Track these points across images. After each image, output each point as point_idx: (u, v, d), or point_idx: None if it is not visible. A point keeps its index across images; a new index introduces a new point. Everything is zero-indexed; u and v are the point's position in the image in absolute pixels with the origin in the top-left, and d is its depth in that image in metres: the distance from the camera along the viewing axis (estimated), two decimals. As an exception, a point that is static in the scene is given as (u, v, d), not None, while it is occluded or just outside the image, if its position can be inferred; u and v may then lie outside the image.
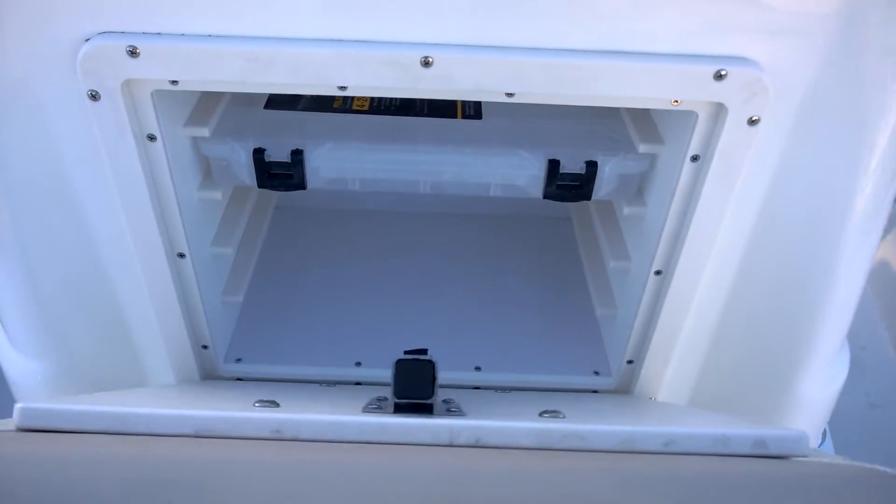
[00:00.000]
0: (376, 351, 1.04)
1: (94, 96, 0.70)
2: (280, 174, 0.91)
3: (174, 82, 0.71)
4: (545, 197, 0.94)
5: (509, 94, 0.72)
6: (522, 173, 0.92)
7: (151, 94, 0.73)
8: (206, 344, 0.98)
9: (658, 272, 0.88)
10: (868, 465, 0.56)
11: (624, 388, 1.01)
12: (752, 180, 0.80)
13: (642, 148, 0.89)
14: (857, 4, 0.68)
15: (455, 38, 0.68)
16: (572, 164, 0.91)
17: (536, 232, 1.32)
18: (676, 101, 0.72)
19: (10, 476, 0.51)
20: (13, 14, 0.69)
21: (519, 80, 0.70)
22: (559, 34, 0.68)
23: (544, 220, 1.33)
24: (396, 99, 0.99)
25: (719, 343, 0.98)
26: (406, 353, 0.75)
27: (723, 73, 0.68)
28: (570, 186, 0.93)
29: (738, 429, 0.61)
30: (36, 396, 1.02)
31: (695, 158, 0.77)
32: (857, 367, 1.16)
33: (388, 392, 0.74)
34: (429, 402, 0.72)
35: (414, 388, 0.73)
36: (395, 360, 0.74)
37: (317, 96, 0.98)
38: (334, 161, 0.92)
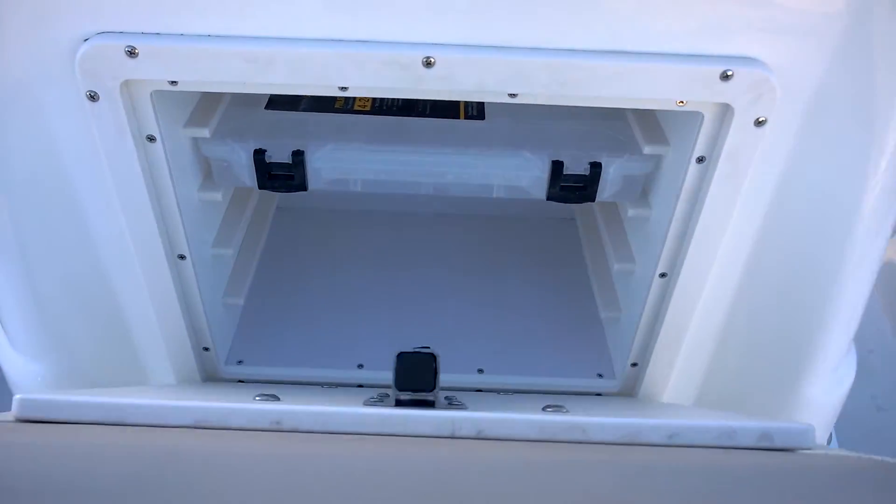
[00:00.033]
0: (379, 353, 1.03)
1: (93, 97, 0.70)
2: (281, 175, 0.91)
3: (173, 83, 0.70)
4: (549, 198, 0.93)
5: (512, 95, 0.71)
6: (525, 175, 0.92)
7: (151, 94, 0.72)
8: (207, 346, 0.97)
9: (663, 275, 0.87)
10: (875, 457, 0.56)
11: (628, 391, 1.00)
12: (759, 182, 0.79)
13: (647, 149, 0.88)
14: (864, 3, 0.67)
15: (457, 37, 0.67)
16: (576, 166, 0.90)
17: (540, 233, 1.31)
18: (682, 102, 0.71)
19: (9, 466, 0.51)
20: (13, 14, 0.69)
21: (522, 80, 0.69)
22: (562, 34, 0.68)
23: (548, 221, 1.33)
24: (399, 99, 0.98)
25: (725, 346, 0.97)
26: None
27: (729, 73, 0.67)
28: (573, 188, 0.92)
29: (744, 422, 0.60)
30: None
31: (700, 160, 0.76)
32: (864, 370, 1.15)
33: (390, 391, 0.74)
34: (430, 395, 0.72)
35: (416, 380, 0.73)
36: (396, 353, 0.74)
37: (318, 96, 0.97)
38: (336, 162, 0.91)
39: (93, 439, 0.55)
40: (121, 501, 0.48)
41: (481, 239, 1.29)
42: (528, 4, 0.66)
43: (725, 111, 0.72)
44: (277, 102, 0.97)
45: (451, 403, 0.76)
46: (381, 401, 0.75)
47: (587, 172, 0.90)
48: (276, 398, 0.73)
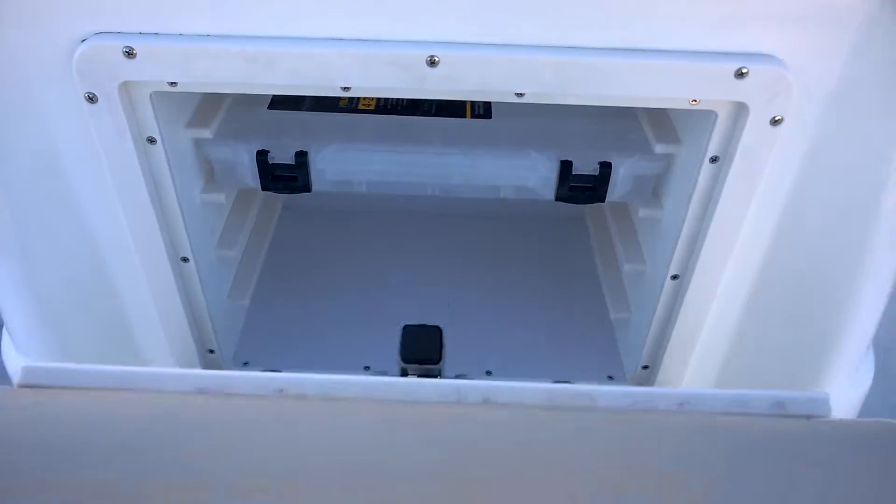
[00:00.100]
0: (385, 355, 1.02)
1: (92, 98, 0.69)
2: (284, 177, 0.89)
3: (173, 84, 0.69)
4: (557, 199, 0.91)
5: (519, 95, 0.69)
6: (533, 175, 0.90)
7: (150, 95, 0.71)
8: (212, 348, 0.96)
9: (675, 276, 0.85)
10: (893, 420, 0.54)
11: None
12: (775, 182, 0.77)
13: (659, 148, 0.86)
14: None
15: (462, 36, 0.66)
16: (585, 166, 0.88)
17: (550, 233, 1.29)
18: (695, 101, 0.69)
19: (11, 431, 0.51)
20: (12, 14, 0.68)
21: (528, 79, 0.67)
22: (570, 31, 0.66)
23: (558, 220, 1.31)
24: (403, 98, 0.96)
25: (739, 349, 0.95)
26: None
27: (744, 70, 0.65)
28: (583, 188, 0.90)
29: (757, 391, 0.58)
30: None
31: (714, 160, 0.74)
32: (881, 372, 1.12)
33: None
34: (436, 368, 0.72)
35: (421, 351, 0.72)
36: (402, 327, 0.75)
37: (322, 96, 0.95)
38: (340, 163, 0.90)
39: (95, 403, 0.56)
40: (123, 461, 0.49)
41: (489, 239, 1.28)
42: (535, 1, 0.64)
43: (740, 110, 0.70)
44: (280, 102, 0.95)
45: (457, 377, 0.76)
46: (385, 374, 0.74)
47: (597, 172, 0.88)
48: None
